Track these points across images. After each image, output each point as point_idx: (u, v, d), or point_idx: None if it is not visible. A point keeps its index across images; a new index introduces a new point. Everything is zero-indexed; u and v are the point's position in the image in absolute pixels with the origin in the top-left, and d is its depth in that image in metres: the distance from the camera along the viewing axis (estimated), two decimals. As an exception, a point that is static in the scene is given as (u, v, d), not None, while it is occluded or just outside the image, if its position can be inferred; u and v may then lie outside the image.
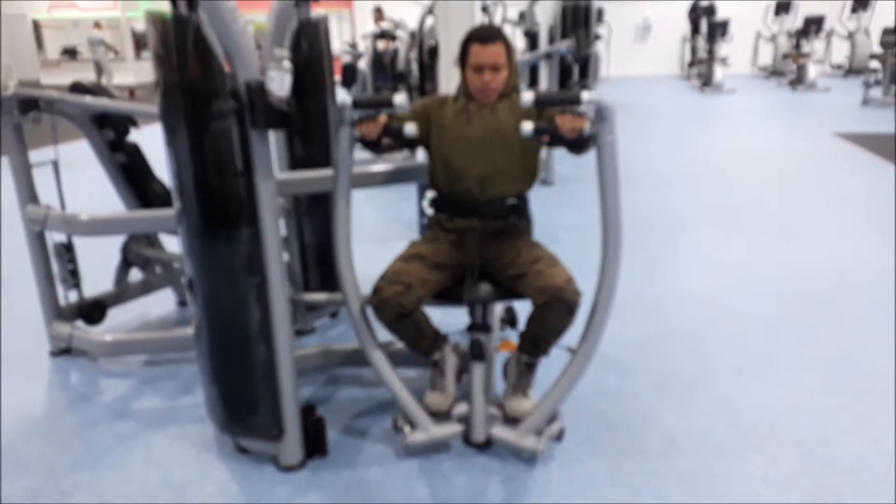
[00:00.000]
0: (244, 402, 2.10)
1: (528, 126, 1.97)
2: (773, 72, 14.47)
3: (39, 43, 18.97)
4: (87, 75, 15.12)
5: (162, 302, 3.48)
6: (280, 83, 1.80)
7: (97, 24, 15.72)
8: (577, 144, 1.99)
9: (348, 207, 2.18)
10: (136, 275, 3.38)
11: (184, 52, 1.80)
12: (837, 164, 6.45)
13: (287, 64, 1.80)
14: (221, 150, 1.87)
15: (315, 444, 2.18)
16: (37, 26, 18.77)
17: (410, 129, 2.09)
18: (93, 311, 3.08)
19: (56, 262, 2.94)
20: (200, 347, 2.13)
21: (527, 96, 1.94)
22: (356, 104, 2.05)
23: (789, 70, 13.27)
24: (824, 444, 2.23)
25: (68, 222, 2.71)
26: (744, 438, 2.28)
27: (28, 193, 2.84)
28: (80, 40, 17.37)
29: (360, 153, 2.18)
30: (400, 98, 1.99)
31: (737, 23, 13.54)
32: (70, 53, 18.57)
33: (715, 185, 5.83)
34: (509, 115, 2.16)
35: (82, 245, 2.99)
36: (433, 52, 5.98)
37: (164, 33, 1.82)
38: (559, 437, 2.15)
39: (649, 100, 11.54)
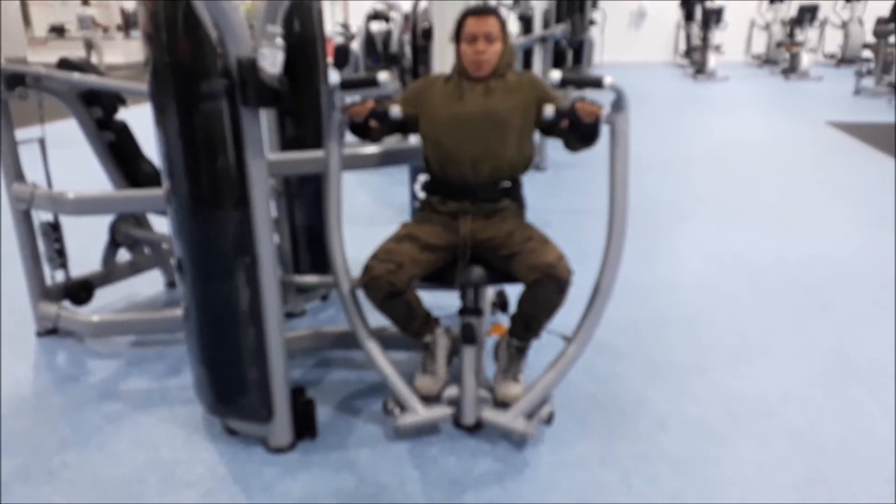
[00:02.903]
0: (233, 384, 2.08)
1: (549, 109, 2.07)
2: (767, 60, 14.44)
3: (27, 20, 18.67)
4: (76, 53, 14.92)
5: (150, 283, 3.44)
6: (272, 60, 1.77)
7: (85, 1, 15.46)
8: (589, 134, 2.05)
9: (339, 189, 2.16)
10: (123, 255, 3.34)
11: (174, 29, 1.77)
12: (830, 154, 6.46)
13: (279, 41, 1.77)
14: (212, 130, 1.84)
15: (305, 426, 2.16)
16: (24, 3, 18.46)
17: (395, 111, 2.14)
18: (80, 291, 3.04)
19: (42, 241, 2.90)
20: (189, 328, 2.11)
21: (554, 74, 2.05)
22: (344, 84, 2.08)
23: (782, 59, 13.25)
24: (815, 431, 2.25)
25: (55, 201, 2.67)
26: (735, 424, 2.29)
27: (14, 171, 2.79)
28: (68, 18, 17.08)
29: (352, 137, 2.17)
30: (384, 75, 2.04)
31: (731, 10, 13.51)
32: (58, 31, 18.27)
33: (709, 173, 5.83)
34: (504, 96, 2.15)
35: (70, 224, 2.95)
36: (427, 33, 5.92)
37: (154, 10, 1.78)
38: (549, 420, 2.15)
39: (643, 86, 11.50)
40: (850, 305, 3.17)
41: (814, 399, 2.43)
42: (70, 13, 16.60)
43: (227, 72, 1.78)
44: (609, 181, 2.10)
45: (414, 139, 2.33)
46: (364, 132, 2.19)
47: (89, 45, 14.71)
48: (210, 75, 1.79)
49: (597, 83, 2.03)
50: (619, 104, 2.04)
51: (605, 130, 2.07)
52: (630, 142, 2.07)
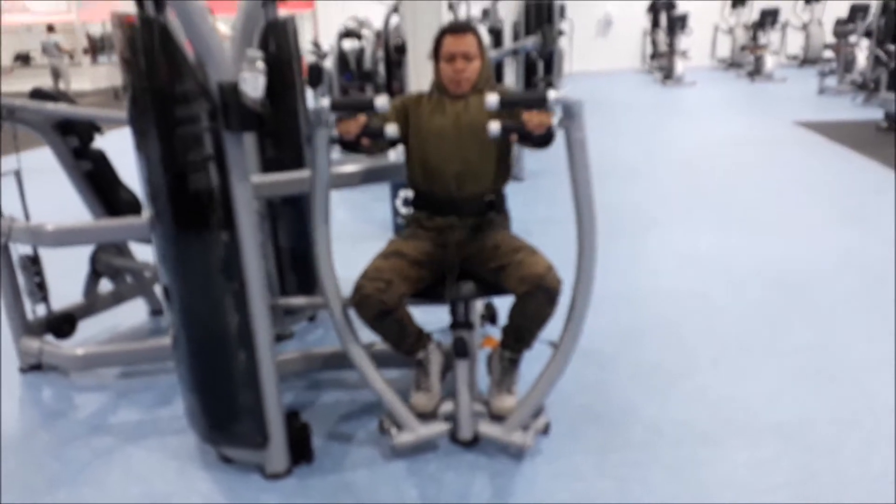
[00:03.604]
0: (226, 411, 2.06)
1: (495, 125, 1.95)
2: (732, 63, 14.75)
3: (-10, 49, 18.42)
4: (43, 81, 14.72)
5: (133, 312, 3.39)
6: (254, 84, 1.77)
7: (50, 28, 15.28)
8: (544, 141, 1.99)
9: (328, 209, 2.15)
10: (105, 285, 3.29)
11: (152, 54, 1.76)
12: (800, 153, 6.59)
13: (260, 64, 1.77)
14: (194, 154, 1.83)
15: (301, 451, 2.15)
16: (-13, 33, 18.22)
17: (392, 130, 2.07)
18: (62, 324, 2.99)
19: (22, 275, 2.85)
20: (179, 356, 2.08)
21: (491, 99, 1.92)
22: (335, 107, 2.02)
23: (747, 61, 13.54)
24: (802, 429, 2.28)
25: (33, 233, 2.62)
26: (725, 426, 2.31)
27: (-10, 205, 2.75)
28: (33, 45, 16.89)
29: (333, 154, 2.16)
30: (381, 100, 1.96)
31: (695, 16, 13.77)
32: (23, 59, 18.05)
33: (682, 177, 5.91)
34: (482, 111, 2.16)
35: (49, 256, 2.91)
36: (399, 49, 5.95)
37: (132, 35, 1.77)
38: (545, 431, 2.16)
39: (612, 94, 11.67)
40: (830, 304, 3.23)
41: (799, 398, 2.47)
42: (35, 40, 16.39)
43: (208, 96, 1.78)
44: (572, 188, 2.01)
45: (393, 155, 2.31)
46: (355, 147, 2.16)
47: (56, 73, 14.54)
48: (190, 99, 1.79)
49: (540, 102, 1.89)
50: (570, 112, 1.91)
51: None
52: (587, 147, 1.97)
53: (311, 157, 2.13)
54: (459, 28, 2.17)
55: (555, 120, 1.91)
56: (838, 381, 2.56)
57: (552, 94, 1.87)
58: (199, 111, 1.80)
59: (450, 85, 2.18)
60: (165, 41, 1.75)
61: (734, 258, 3.86)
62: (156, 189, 1.91)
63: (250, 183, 1.92)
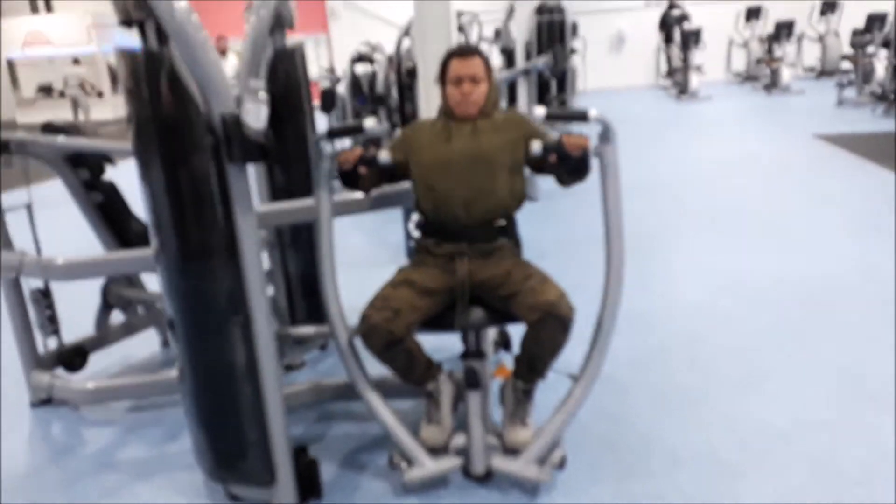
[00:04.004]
0: (233, 447, 2.01)
1: (537, 145, 2.05)
2: (748, 77, 14.62)
3: (14, 81, 18.83)
4: (64, 112, 15.02)
5: (145, 343, 3.38)
6: (257, 115, 1.75)
7: (76, 61, 15.63)
8: (579, 168, 2.04)
9: (331, 239, 2.13)
10: (117, 316, 3.28)
11: (155, 86, 1.75)
12: (820, 166, 6.48)
13: (263, 95, 1.75)
14: (198, 185, 1.81)
15: (309, 487, 2.09)
16: (11, 65, 18.64)
17: (384, 156, 2.14)
18: (73, 357, 2.98)
19: (33, 308, 2.85)
20: (185, 390, 2.05)
21: (539, 110, 2.04)
22: (331, 133, 2.08)
23: (763, 74, 13.42)
24: (832, 456, 2.18)
25: (44, 268, 2.62)
26: (749, 454, 2.22)
27: (1, 240, 2.75)
28: (55, 77, 17.25)
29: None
30: (370, 122, 2.07)
31: (709, 30, 13.70)
32: (46, 91, 18.43)
33: (702, 192, 5.83)
34: (492, 135, 2.14)
35: (62, 288, 2.90)
36: (411, 73, 5.96)
37: (135, 66, 1.77)
38: (561, 465, 2.08)
39: (628, 110, 11.61)
40: (855, 322, 3.13)
41: (828, 423, 2.37)
42: (57, 73, 16.74)
43: (211, 128, 1.76)
44: (603, 214, 2.07)
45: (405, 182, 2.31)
46: (353, 181, 2.17)
47: (76, 104, 14.82)
48: (194, 130, 1.77)
49: (582, 116, 2.01)
50: (605, 136, 2.03)
51: (594, 164, 2.06)
52: (619, 172, 2.06)
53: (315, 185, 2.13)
54: (466, 51, 2.15)
55: (591, 145, 2.00)
56: (868, 404, 2.46)
57: (593, 112, 1.99)
58: (202, 142, 1.78)
59: (457, 108, 2.15)
60: (169, 71, 1.73)
61: (755, 273, 3.77)
62: (160, 219, 1.89)
63: (254, 214, 1.90)
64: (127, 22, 1.73)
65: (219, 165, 1.80)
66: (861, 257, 3.92)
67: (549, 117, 2.08)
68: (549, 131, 2.21)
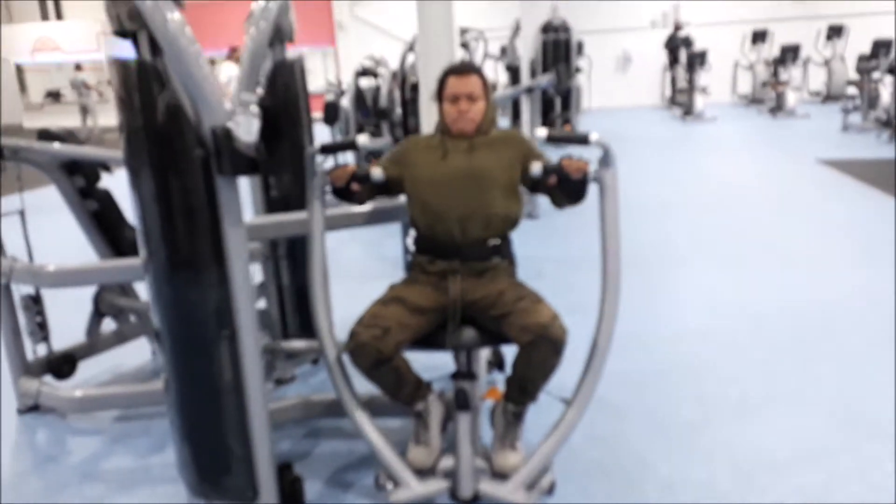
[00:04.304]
0: (216, 462, 1.97)
1: (537, 166, 2.04)
2: (753, 100, 14.63)
3: (23, 87, 18.97)
4: (71, 118, 15.09)
5: (137, 351, 3.34)
6: (247, 128, 1.73)
7: (78, 67, 15.71)
8: (577, 191, 2.03)
9: (323, 254, 2.11)
10: (109, 324, 3.25)
11: (147, 93, 1.73)
12: (824, 192, 6.44)
13: (254, 108, 1.74)
14: (188, 196, 1.79)
15: (293, 506, 2.05)
16: (20, 71, 18.79)
17: (377, 173, 2.13)
18: (62, 364, 2.95)
19: (23, 314, 2.82)
20: (170, 402, 2.01)
21: (540, 132, 2.06)
22: (324, 149, 2.09)
23: (768, 98, 13.42)
24: (829, 491, 2.13)
25: (35, 274, 2.60)
26: (746, 485, 2.17)
27: (-7, 245, 2.74)
28: (63, 83, 17.36)
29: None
30: (363, 138, 2.12)
31: (714, 53, 13.73)
32: (53, 96, 18.55)
33: (704, 215, 5.79)
34: (488, 153, 2.12)
35: (53, 295, 2.88)
36: (415, 88, 5.97)
37: (126, 75, 1.75)
38: (550, 490, 2.04)
39: (633, 129, 11.61)
40: (857, 352, 3.07)
41: (826, 455, 2.32)
42: (65, 78, 16.85)
43: (201, 140, 1.74)
44: (601, 238, 2.05)
45: (402, 196, 2.30)
46: (347, 196, 2.16)
47: (84, 110, 14.89)
48: (184, 140, 1.75)
49: (583, 140, 2.01)
50: (606, 160, 2.02)
51: (592, 189, 2.04)
52: (619, 197, 2.04)
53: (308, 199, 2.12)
54: (463, 69, 2.15)
55: (591, 169, 1.99)
56: (868, 437, 2.40)
57: (594, 136, 1.99)
58: (192, 153, 1.76)
59: (453, 125, 2.14)
60: (160, 80, 1.72)
61: (756, 298, 3.72)
62: (149, 230, 1.86)
63: (244, 228, 1.87)
64: (121, 33, 1.72)
65: (208, 178, 1.78)
66: (863, 285, 3.88)
67: (551, 139, 2.07)
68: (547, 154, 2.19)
